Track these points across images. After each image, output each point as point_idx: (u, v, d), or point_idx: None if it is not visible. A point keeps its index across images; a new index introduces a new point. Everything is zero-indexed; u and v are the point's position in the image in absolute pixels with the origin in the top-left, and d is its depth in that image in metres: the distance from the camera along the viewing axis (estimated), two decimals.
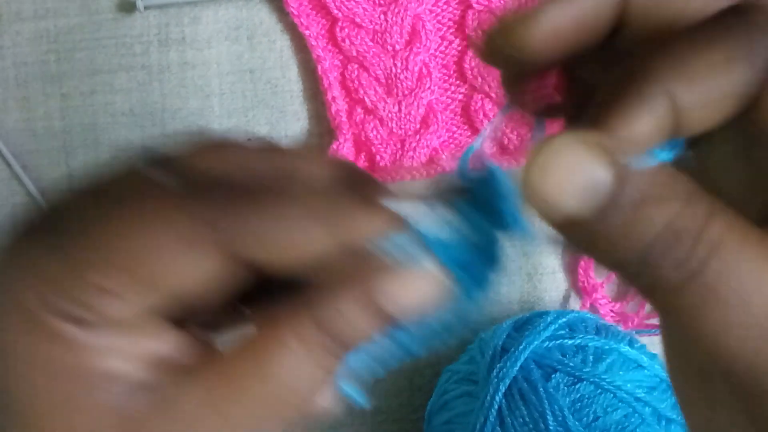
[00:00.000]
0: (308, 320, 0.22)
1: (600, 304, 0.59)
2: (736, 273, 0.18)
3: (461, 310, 0.25)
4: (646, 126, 0.19)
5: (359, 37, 0.58)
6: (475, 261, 0.24)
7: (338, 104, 0.58)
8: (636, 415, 0.47)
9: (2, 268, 0.21)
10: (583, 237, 0.19)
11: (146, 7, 0.57)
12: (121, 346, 0.21)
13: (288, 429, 0.23)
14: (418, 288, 0.23)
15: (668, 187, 0.18)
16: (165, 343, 0.22)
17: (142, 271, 0.21)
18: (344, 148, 0.58)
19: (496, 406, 0.48)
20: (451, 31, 0.59)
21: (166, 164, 0.22)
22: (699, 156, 0.22)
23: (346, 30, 0.58)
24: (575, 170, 0.18)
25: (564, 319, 0.51)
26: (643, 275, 0.18)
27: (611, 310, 0.60)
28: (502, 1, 0.57)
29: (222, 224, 0.21)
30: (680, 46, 0.20)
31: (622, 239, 0.18)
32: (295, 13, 0.57)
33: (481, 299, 0.25)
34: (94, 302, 0.20)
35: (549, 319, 0.51)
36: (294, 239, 0.21)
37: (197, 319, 0.24)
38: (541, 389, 0.47)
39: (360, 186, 0.23)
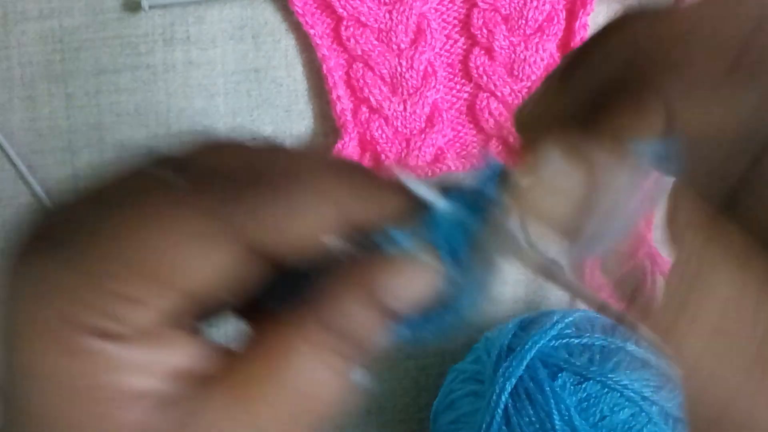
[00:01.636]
0: (314, 323, 0.22)
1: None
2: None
3: (462, 304, 0.25)
4: (643, 132, 0.20)
5: (364, 36, 0.57)
6: (477, 258, 0.25)
7: (343, 103, 0.58)
8: (643, 414, 0.47)
9: (16, 287, 0.20)
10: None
11: (151, 7, 0.57)
12: (146, 359, 0.21)
13: None
14: (420, 282, 0.23)
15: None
16: (185, 353, 0.22)
17: (161, 273, 0.20)
18: (349, 147, 0.58)
19: (502, 406, 0.48)
20: (456, 29, 0.58)
21: (171, 163, 0.22)
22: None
23: (351, 29, 0.57)
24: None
25: (570, 318, 0.51)
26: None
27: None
28: (507, 0, 0.57)
29: (233, 215, 0.20)
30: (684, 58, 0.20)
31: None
32: (300, 12, 0.57)
33: (483, 295, 0.25)
34: (117, 311, 0.20)
35: (555, 318, 0.51)
36: (306, 220, 0.21)
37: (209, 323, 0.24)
38: (548, 388, 0.47)
39: (368, 173, 0.24)
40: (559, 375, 0.48)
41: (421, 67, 0.58)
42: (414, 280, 0.23)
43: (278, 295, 0.24)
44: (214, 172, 0.22)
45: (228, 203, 0.21)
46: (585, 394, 0.47)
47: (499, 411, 0.48)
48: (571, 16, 0.58)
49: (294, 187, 0.21)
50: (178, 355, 0.21)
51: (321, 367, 0.22)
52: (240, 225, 0.21)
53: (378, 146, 0.58)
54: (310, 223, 0.21)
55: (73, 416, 0.20)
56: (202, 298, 0.21)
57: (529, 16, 0.57)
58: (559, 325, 0.50)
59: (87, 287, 0.20)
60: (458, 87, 0.59)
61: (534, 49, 0.57)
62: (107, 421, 0.20)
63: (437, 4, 0.58)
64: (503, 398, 0.48)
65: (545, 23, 0.58)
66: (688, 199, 0.21)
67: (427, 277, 0.23)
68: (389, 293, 0.22)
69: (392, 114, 0.58)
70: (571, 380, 0.48)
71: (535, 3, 0.57)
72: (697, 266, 0.20)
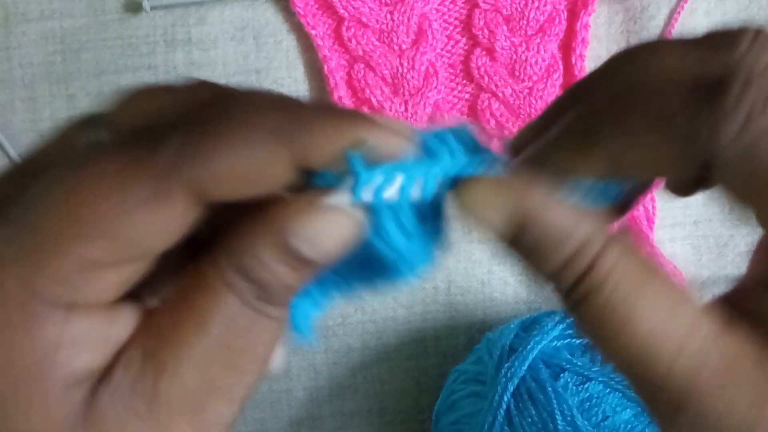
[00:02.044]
0: (230, 268, 0.21)
1: None
2: (608, 310, 0.21)
3: (398, 266, 0.24)
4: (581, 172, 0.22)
5: (365, 36, 0.57)
6: (428, 218, 0.24)
7: (344, 104, 0.58)
8: (645, 414, 0.47)
9: None
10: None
11: (152, 8, 0.57)
12: (97, 334, 0.20)
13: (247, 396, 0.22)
14: (334, 230, 0.21)
15: (568, 231, 0.21)
16: (129, 325, 0.21)
17: (118, 231, 0.19)
18: None
19: (504, 406, 0.48)
20: (457, 30, 0.58)
21: (96, 123, 0.21)
22: None
23: (353, 29, 0.57)
24: (492, 204, 0.22)
25: (572, 319, 0.51)
26: (557, 290, 0.22)
27: None
28: (507, 1, 0.57)
29: (172, 164, 0.19)
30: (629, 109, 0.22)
31: (531, 262, 0.22)
32: (302, 12, 0.57)
33: (424, 261, 0.25)
34: (78, 277, 0.19)
35: (557, 318, 0.51)
36: (247, 160, 0.20)
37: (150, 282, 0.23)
38: (550, 389, 0.47)
39: (325, 113, 0.22)
40: (562, 375, 0.48)
41: (423, 68, 0.58)
42: (330, 228, 0.21)
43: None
44: (142, 122, 0.21)
45: (165, 151, 0.20)
46: (587, 395, 0.47)
47: (501, 412, 0.48)
48: (573, 16, 0.58)
49: (234, 122, 0.20)
50: (123, 328, 0.21)
51: (241, 309, 0.21)
52: (182, 173, 0.20)
53: None
54: (253, 163, 0.20)
55: (20, 390, 0.20)
56: (156, 252, 0.21)
57: (531, 16, 0.57)
58: (561, 326, 0.50)
59: (46, 252, 0.19)
60: (459, 87, 0.59)
61: (535, 49, 0.57)
62: (47, 398, 0.20)
63: (438, 5, 0.58)
64: (505, 399, 0.48)
65: (546, 24, 0.58)
66: None
67: (344, 227, 0.22)
68: (303, 240, 0.21)
69: (394, 114, 0.58)
70: (574, 380, 0.48)
71: (536, 3, 0.57)
72: None
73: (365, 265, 0.24)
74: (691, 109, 0.20)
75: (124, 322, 0.21)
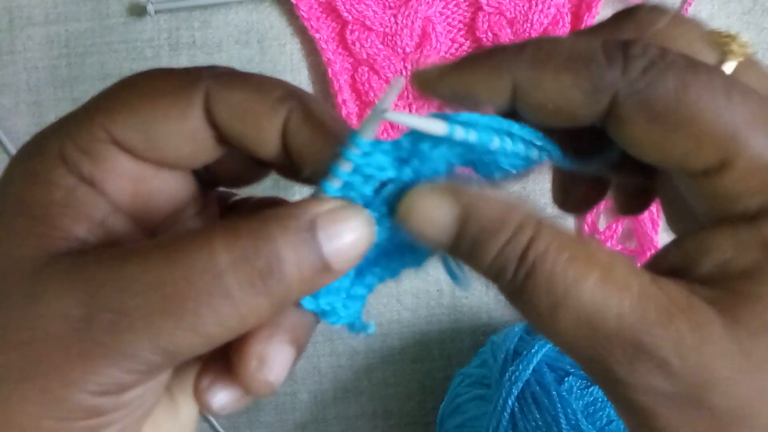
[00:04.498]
0: (243, 246, 0.22)
1: None
2: (550, 285, 0.22)
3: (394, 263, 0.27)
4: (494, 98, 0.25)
5: (369, 39, 0.58)
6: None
7: (348, 107, 0.58)
8: None
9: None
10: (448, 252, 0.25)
11: (157, 12, 0.57)
12: (92, 202, 0.24)
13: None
14: (354, 233, 0.24)
15: (502, 221, 0.23)
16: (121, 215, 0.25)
17: (139, 119, 0.25)
18: None
19: (508, 410, 0.48)
20: (461, 33, 0.58)
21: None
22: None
23: (357, 33, 0.57)
24: (430, 212, 0.24)
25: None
26: (499, 281, 0.24)
27: None
28: (511, 3, 0.57)
29: (204, 84, 0.25)
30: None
31: (472, 260, 0.24)
32: (306, 16, 0.57)
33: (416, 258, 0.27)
34: (96, 145, 0.25)
35: None
36: (254, 101, 0.25)
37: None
38: (554, 393, 0.47)
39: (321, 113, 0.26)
40: (566, 379, 0.48)
41: None
42: (349, 229, 0.24)
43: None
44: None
45: (203, 78, 0.25)
46: (592, 398, 0.47)
47: (506, 415, 0.48)
48: (576, 19, 0.58)
49: (245, 79, 0.26)
50: (110, 211, 0.25)
51: (232, 277, 0.22)
52: (206, 92, 0.25)
53: None
54: (254, 105, 0.25)
55: (29, 205, 0.24)
56: (170, 157, 0.26)
57: (534, 19, 0.57)
58: None
59: (82, 118, 0.25)
60: None
61: None
62: (42, 230, 0.24)
63: (442, 8, 0.58)
64: (510, 402, 0.48)
65: (550, 26, 0.57)
66: None
67: (362, 230, 0.24)
68: (324, 239, 0.23)
69: None
70: (578, 384, 0.48)
71: (540, 6, 0.57)
72: None
73: (391, 253, 0.27)
74: (602, 57, 0.23)
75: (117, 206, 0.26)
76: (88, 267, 0.23)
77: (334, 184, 0.24)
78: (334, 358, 0.60)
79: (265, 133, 0.25)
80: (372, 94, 0.58)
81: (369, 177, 0.25)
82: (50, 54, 0.59)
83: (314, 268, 0.23)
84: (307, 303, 0.25)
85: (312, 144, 0.25)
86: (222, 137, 0.26)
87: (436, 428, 0.55)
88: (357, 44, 0.58)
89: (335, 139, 0.25)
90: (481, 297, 0.60)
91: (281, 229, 0.23)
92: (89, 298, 0.22)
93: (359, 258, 0.24)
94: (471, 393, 0.52)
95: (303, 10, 0.57)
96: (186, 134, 0.25)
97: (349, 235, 0.23)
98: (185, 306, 0.22)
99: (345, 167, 0.24)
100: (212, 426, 0.59)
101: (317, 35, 0.57)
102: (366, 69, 0.58)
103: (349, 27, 0.57)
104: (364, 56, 0.58)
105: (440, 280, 0.59)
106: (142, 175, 0.26)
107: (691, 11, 0.58)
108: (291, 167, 0.26)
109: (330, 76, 0.58)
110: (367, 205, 0.25)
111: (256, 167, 0.29)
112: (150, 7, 0.57)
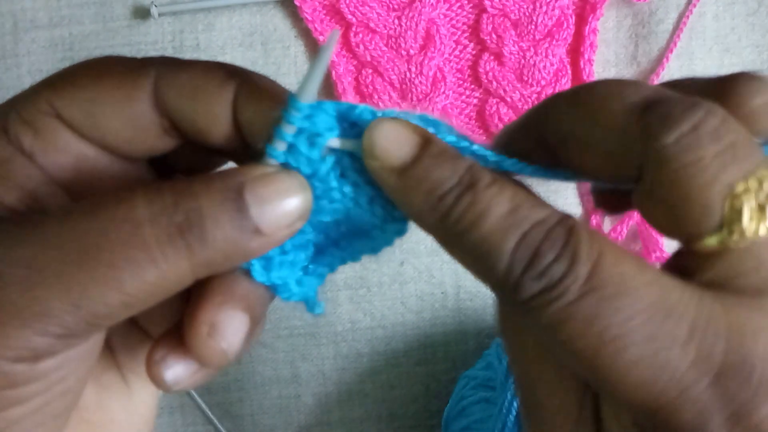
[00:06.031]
0: (163, 200, 0.22)
1: None
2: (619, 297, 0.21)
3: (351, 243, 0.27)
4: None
5: (373, 42, 0.57)
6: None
7: None
8: None
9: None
10: (399, 184, 0.24)
11: (161, 14, 0.57)
12: (26, 173, 0.24)
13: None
14: (284, 195, 0.23)
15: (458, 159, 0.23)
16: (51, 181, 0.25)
17: (84, 96, 0.25)
18: None
19: (514, 413, 0.47)
20: (465, 35, 0.58)
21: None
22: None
23: (361, 35, 0.57)
24: (394, 131, 0.24)
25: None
26: (513, 292, 0.22)
27: None
28: (515, 5, 0.57)
29: (153, 70, 0.25)
30: None
31: (425, 183, 0.23)
32: (309, 18, 0.57)
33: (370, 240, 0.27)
34: (39, 117, 0.25)
35: None
36: (201, 80, 0.25)
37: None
38: None
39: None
40: None
41: (431, 73, 0.58)
42: (279, 188, 0.23)
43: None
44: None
45: (150, 67, 0.26)
46: None
47: (511, 418, 0.47)
48: (581, 20, 0.58)
49: (204, 62, 0.26)
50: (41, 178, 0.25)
51: (149, 230, 0.22)
52: (154, 77, 0.25)
53: None
54: (201, 84, 0.25)
55: None
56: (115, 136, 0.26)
57: (539, 21, 0.57)
58: None
59: (31, 93, 0.26)
60: (468, 92, 0.59)
61: (543, 54, 0.57)
62: None
63: (446, 10, 0.58)
64: (515, 405, 0.48)
65: (555, 28, 0.57)
66: None
67: (295, 198, 0.24)
68: (255, 204, 0.23)
69: None
70: None
71: (544, 8, 0.57)
72: None
73: (352, 234, 0.27)
74: (631, 121, 0.22)
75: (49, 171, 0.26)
76: (7, 227, 0.22)
77: (278, 148, 0.24)
78: (338, 360, 0.60)
79: (216, 109, 0.25)
80: (376, 97, 0.58)
81: (314, 138, 0.24)
82: (54, 57, 0.59)
83: (240, 229, 0.23)
84: (258, 275, 0.25)
85: (261, 114, 0.25)
86: (172, 124, 0.26)
87: (441, 431, 0.55)
88: (361, 46, 0.58)
89: (282, 106, 0.24)
90: (486, 299, 0.59)
91: (205, 186, 0.23)
92: (3, 255, 0.22)
93: (294, 224, 0.24)
94: (476, 395, 0.52)
95: (307, 13, 0.57)
96: (129, 117, 0.25)
97: (279, 197, 0.23)
98: (100, 257, 0.21)
99: (288, 129, 0.24)
100: (217, 429, 0.59)
101: (321, 38, 0.57)
102: (370, 71, 0.58)
103: (353, 29, 0.57)
104: (368, 58, 0.58)
105: (444, 282, 0.59)
106: (84, 153, 0.26)
107: (696, 12, 0.58)
108: (244, 151, 0.26)
109: (334, 78, 0.58)
110: (314, 175, 0.25)
111: (208, 155, 0.28)
112: (154, 10, 0.57)
